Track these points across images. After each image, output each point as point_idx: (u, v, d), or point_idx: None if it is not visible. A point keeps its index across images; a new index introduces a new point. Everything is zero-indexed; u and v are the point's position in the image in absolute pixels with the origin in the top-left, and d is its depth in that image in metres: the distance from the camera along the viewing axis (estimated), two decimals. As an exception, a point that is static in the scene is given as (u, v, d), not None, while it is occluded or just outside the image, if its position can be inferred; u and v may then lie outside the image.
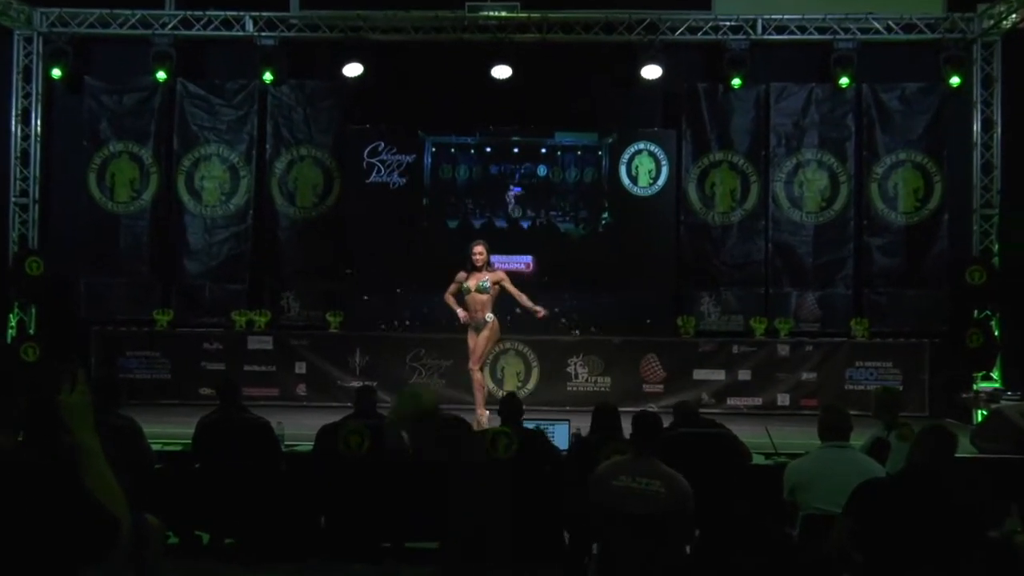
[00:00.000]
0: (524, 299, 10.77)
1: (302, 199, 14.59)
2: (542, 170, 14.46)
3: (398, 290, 14.11)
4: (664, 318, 14.01)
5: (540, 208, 14.45)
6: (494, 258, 11.17)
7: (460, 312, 10.79)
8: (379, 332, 13.81)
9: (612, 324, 13.90)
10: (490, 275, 10.73)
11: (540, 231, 14.44)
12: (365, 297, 14.19)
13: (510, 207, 14.36)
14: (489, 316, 10.65)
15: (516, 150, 14.53)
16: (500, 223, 14.37)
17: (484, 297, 10.66)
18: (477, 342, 10.69)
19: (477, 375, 10.70)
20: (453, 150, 14.53)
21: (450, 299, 10.92)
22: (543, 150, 14.52)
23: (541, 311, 10.81)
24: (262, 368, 13.48)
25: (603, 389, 13.33)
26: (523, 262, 14.11)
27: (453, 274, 11.05)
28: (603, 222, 14.31)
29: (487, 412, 10.39)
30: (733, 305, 14.35)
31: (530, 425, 8.16)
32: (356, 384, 12.06)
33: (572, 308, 14.09)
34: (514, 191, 14.41)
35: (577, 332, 13.80)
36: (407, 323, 13.95)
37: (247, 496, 7.48)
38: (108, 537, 2.47)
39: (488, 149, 14.59)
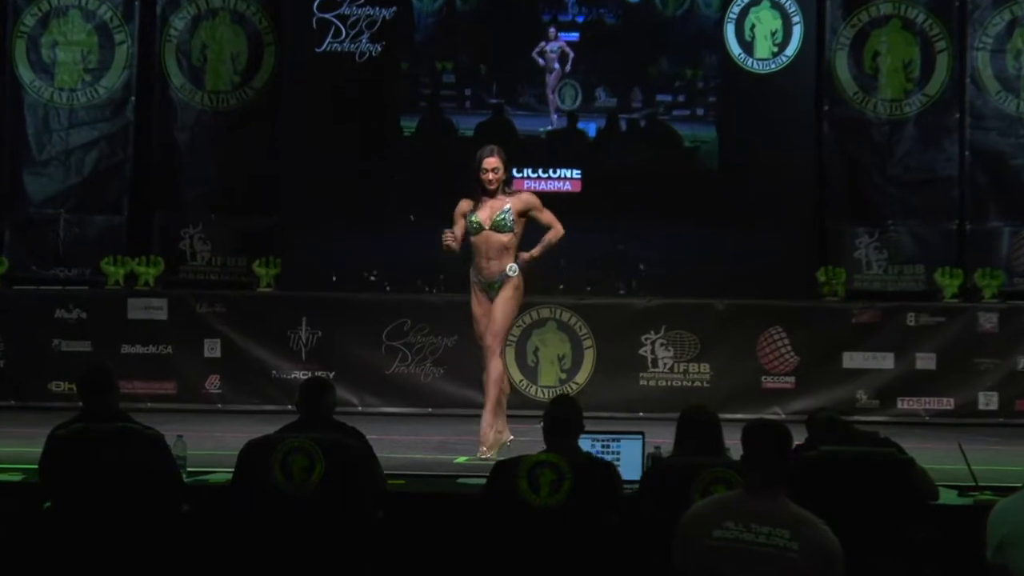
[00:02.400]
0: (550, 237, 10.48)
1: (214, 79, 14.57)
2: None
3: (369, 225, 14.12)
4: (796, 270, 14.00)
5: (628, 84, 14.09)
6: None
7: (450, 236, 10.41)
8: (338, 292, 13.83)
9: (712, 280, 13.88)
10: (511, 201, 10.50)
11: (629, 141, 14.09)
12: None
13: (550, 84, 14.06)
14: (512, 268, 10.40)
15: None
16: (525, 124, 14.04)
17: (504, 238, 10.34)
18: (494, 310, 10.33)
19: (496, 364, 10.51)
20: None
21: (452, 240, 10.54)
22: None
23: (522, 260, 10.48)
24: (151, 350, 13.53)
25: (698, 384, 13.35)
26: (564, 179, 14.03)
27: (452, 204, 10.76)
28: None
29: (509, 434, 10.32)
30: (908, 249, 14.29)
31: (583, 441, 8.08)
32: (301, 375, 12.01)
33: (643, 255, 14.07)
34: (560, 41, 14.08)
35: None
36: (380, 278, 13.95)
37: (126, 551, 7.51)
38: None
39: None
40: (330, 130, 14.22)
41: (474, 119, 13.93)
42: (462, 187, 10.59)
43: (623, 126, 13.99)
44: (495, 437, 10.28)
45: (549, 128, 14.00)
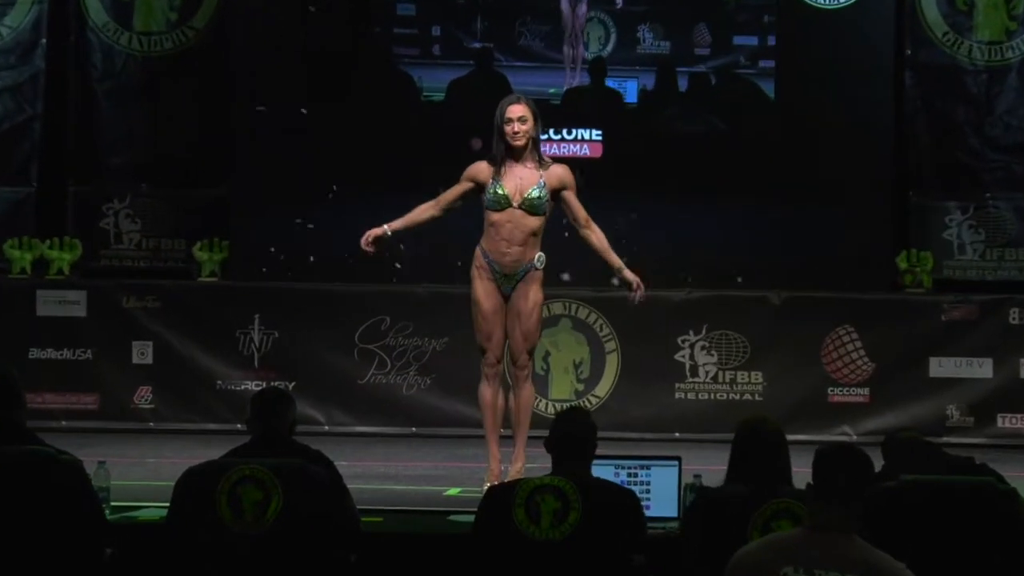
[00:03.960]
0: (608, 249, 10.35)
1: (145, 16, 14.61)
2: None
3: (338, 200, 14.12)
4: (871, 255, 14.05)
5: (688, 19, 13.97)
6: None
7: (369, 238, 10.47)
8: (299, 283, 13.86)
9: (766, 267, 13.93)
10: (545, 175, 10.31)
11: (689, 107, 14.14)
12: (299, 221, 14.20)
13: (577, 25, 13.85)
14: (541, 259, 10.28)
15: None
16: (526, 81, 13.83)
17: (535, 223, 10.06)
18: (526, 320, 10.10)
19: (531, 387, 10.42)
20: None
21: (423, 212, 10.43)
22: None
23: (636, 285, 10.31)
24: (66, 354, 13.55)
25: (748, 397, 13.41)
26: (580, 142, 13.97)
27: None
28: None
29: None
30: (1011, 227, 14.33)
31: (604, 468, 8.08)
32: (253, 386, 12.02)
33: (680, 236, 14.09)
34: None
35: (689, 281, 13.84)
36: (352, 264, 13.94)
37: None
38: None
39: None
40: (290, 82, 14.22)
41: (446, 74, 13.48)
42: (430, 175, 10.57)
43: (682, 85, 13.78)
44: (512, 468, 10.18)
45: (565, 87, 13.77)
